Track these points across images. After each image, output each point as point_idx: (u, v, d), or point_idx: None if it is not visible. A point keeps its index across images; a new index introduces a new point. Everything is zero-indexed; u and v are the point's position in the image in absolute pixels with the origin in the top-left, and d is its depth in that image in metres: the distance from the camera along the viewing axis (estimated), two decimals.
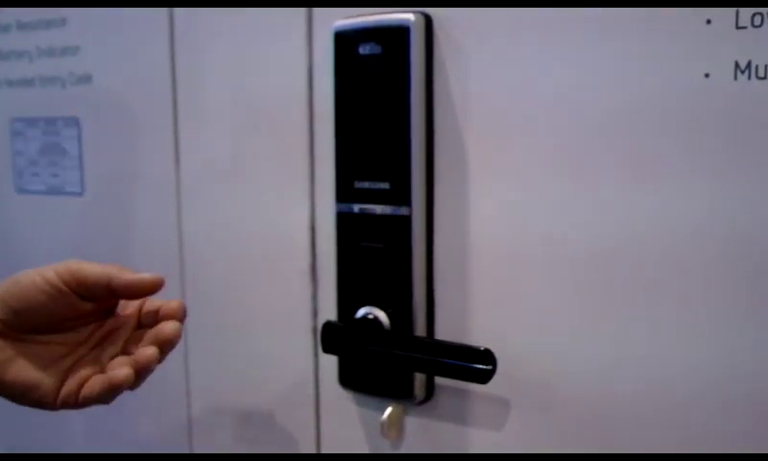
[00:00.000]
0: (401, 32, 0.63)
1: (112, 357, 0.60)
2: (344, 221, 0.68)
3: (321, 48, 0.70)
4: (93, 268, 0.58)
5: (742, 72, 0.52)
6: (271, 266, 0.76)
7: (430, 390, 0.68)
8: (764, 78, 0.52)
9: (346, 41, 0.66)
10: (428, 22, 0.64)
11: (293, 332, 0.76)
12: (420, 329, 0.66)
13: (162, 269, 0.82)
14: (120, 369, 0.58)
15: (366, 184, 0.66)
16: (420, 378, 0.67)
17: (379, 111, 0.65)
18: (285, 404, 0.77)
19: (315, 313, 0.74)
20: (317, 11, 0.70)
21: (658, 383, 0.58)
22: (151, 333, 0.60)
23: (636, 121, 0.56)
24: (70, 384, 0.58)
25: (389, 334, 0.66)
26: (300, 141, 0.73)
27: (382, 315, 0.67)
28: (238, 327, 0.74)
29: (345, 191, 0.68)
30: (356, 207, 0.67)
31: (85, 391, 0.58)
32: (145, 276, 0.59)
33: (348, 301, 0.69)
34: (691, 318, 0.56)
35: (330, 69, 0.67)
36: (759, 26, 0.52)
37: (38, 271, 0.57)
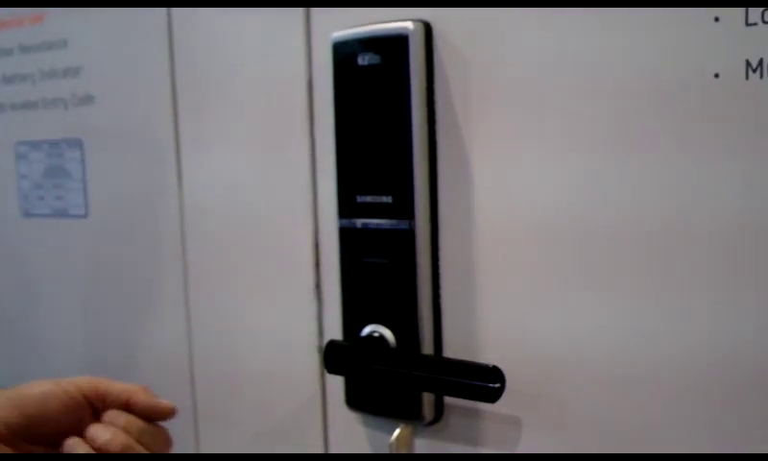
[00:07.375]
0: (401, 41, 0.62)
1: None
2: (346, 236, 0.67)
3: (319, 60, 0.68)
4: (117, 384, 0.61)
5: (754, 71, 0.50)
6: (275, 285, 0.75)
7: (439, 410, 0.66)
8: None
9: (344, 52, 0.65)
10: (428, 30, 0.62)
11: (299, 353, 0.74)
12: (427, 347, 0.64)
13: (167, 289, 0.82)
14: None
15: (368, 198, 0.65)
16: (428, 398, 0.65)
17: (380, 123, 0.63)
18: (292, 426, 0.76)
19: (321, 332, 0.73)
20: (315, 22, 0.69)
21: (677, 401, 0.55)
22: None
23: (646, 124, 0.54)
24: None
25: (394, 353, 0.64)
26: (302, 156, 0.71)
27: (388, 333, 0.65)
28: (243, 349, 0.73)
29: (347, 206, 0.66)
30: (359, 222, 0.65)
31: None
32: (162, 402, 0.62)
33: (353, 319, 0.67)
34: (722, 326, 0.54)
35: (330, 81, 0.66)
36: None
37: (56, 382, 0.60)
